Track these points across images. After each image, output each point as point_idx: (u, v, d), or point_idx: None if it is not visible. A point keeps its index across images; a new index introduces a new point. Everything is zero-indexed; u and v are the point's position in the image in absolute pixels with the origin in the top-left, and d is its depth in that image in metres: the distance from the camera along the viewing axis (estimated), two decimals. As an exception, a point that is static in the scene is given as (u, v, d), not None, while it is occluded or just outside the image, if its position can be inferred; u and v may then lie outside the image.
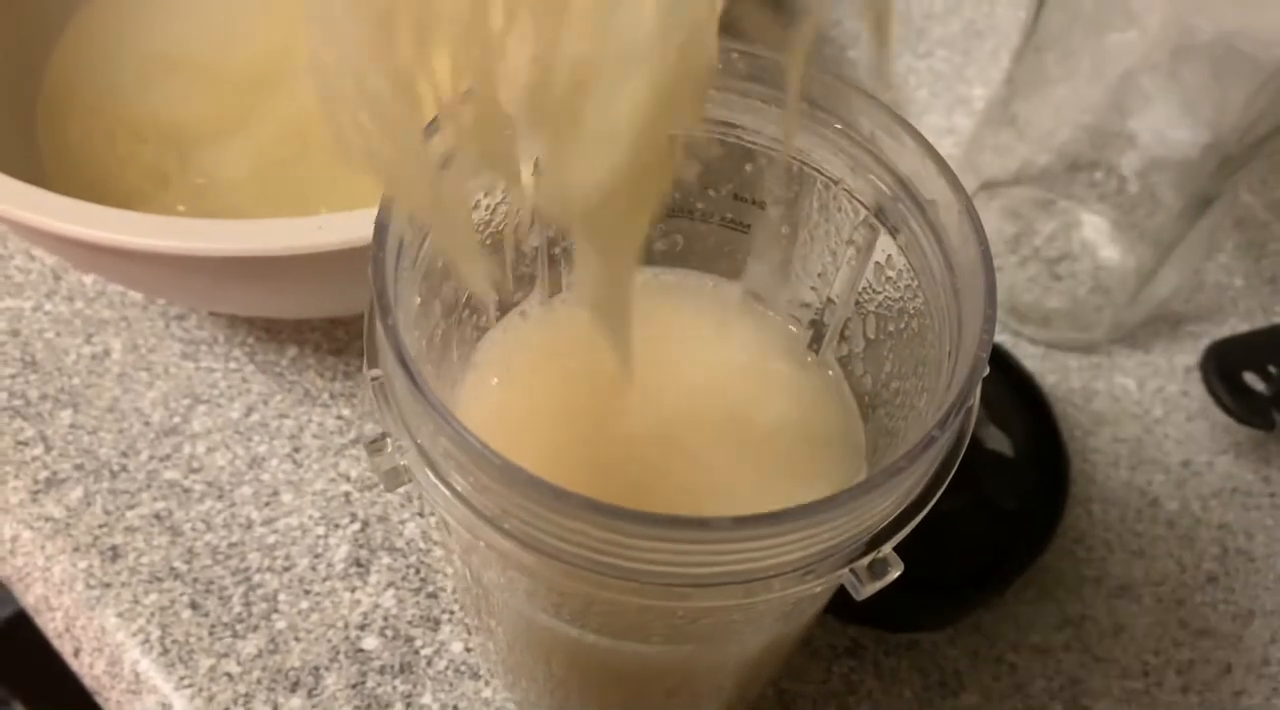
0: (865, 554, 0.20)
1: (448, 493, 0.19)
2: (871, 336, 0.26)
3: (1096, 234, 0.47)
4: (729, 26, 0.21)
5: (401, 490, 0.34)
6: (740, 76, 0.25)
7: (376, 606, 0.38)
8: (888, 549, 0.20)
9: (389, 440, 0.21)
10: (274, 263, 0.32)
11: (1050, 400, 0.44)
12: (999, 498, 0.41)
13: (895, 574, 0.20)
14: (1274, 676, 0.39)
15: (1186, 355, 0.46)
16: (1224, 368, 0.40)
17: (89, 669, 0.38)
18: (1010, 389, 0.43)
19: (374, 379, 0.21)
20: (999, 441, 0.42)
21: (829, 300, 0.27)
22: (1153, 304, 0.45)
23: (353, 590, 0.39)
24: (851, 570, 0.20)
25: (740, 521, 0.18)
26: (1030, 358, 0.46)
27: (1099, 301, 0.46)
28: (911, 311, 0.24)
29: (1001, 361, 0.44)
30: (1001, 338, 0.47)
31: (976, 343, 0.19)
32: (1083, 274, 0.47)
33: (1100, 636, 0.40)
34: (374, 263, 0.20)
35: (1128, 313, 0.45)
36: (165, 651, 0.37)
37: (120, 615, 0.38)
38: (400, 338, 0.19)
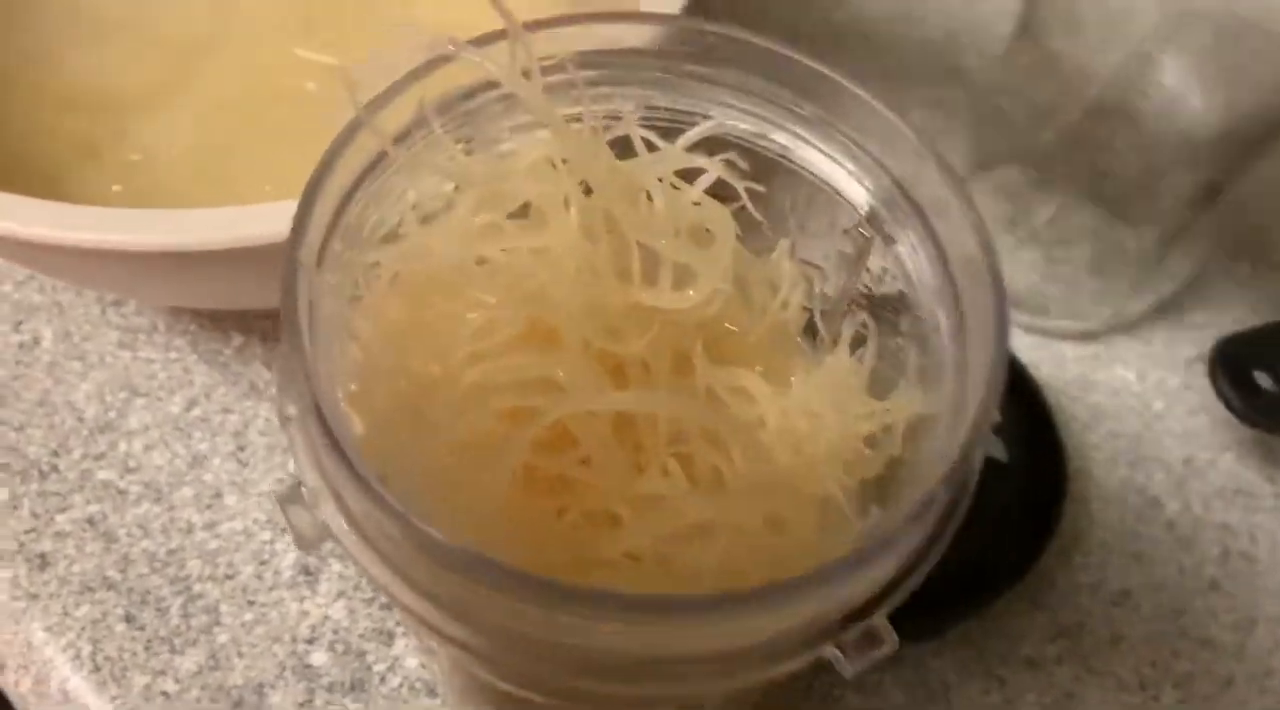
0: (851, 625, 0.17)
1: (378, 565, 0.17)
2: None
3: (1098, 217, 0.44)
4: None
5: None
6: (718, 62, 0.22)
7: (326, 618, 0.36)
8: (879, 619, 0.18)
9: (305, 491, 0.18)
10: (210, 257, 0.29)
11: (1046, 392, 0.41)
12: (990, 498, 0.38)
13: (888, 650, 0.18)
14: (1278, 690, 0.37)
15: (1189, 346, 0.44)
16: (1232, 366, 0.38)
17: (14, 686, 0.35)
18: (1004, 381, 0.40)
19: (287, 419, 0.18)
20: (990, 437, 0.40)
21: (820, 311, 0.24)
22: (1157, 294, 0.42)
23: (300, 600, 0.36)
24: (836, 645, 0.17)
25: (711, 601, 0.15)
26: (1025, 347, 0.43)
27: (1099, 289, 0.43)
28: (906, 331, 0.22)
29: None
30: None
31: (983, 396, 0.17)
32: (1082, 260, 0.44)
33: (1096, 647, 0.38)
34: (284, 286, 0.17)
35: (1130, 302, 0.42)
36: (97, 669, 0.34)
37: (48, 629, 0.35)
38: (318, 383, 0.16)
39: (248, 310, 0.41)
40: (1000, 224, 0.45)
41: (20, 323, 0.41)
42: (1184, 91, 0.39)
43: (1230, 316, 0.44)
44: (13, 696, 0.36)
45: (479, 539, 0.18)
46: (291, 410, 0.18)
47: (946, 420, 0.19)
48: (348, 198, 0.19)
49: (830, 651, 0.17)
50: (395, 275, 0.20)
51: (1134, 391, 0.43)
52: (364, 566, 0.18)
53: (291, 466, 0.38)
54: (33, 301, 0.41)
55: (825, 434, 0.21)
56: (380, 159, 0.20)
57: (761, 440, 0.21)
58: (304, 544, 0.18)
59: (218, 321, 0.41)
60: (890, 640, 0.18)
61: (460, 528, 0.18)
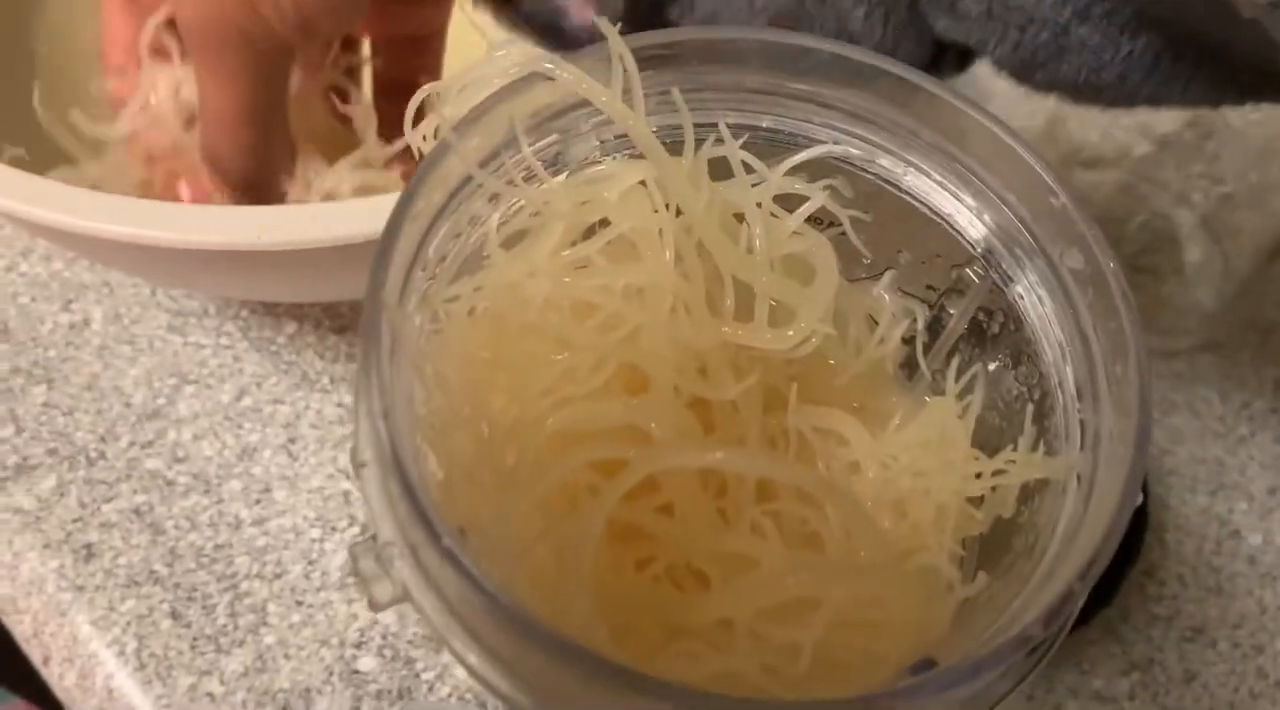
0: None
1: (467, 641, 0.15)
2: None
3: (1188, 230, 0.42)
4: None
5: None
6: (826, 82, 0.20)
7: (375, 622, 0.35)
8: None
9: (379, 546, 0.17)
10: (260, 255, 0.28)
11: (1124, 413, 0.40)
12: (1064, 523, 0.37)
13: (1006, 748, 0.16)
14: (1359, 738, 0.36)
15: (1276, 367, 0.42)
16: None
17: (59, 680, 0.35)
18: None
19: (361, 465, 0.17)
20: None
21: (924, 347, 0.23)
22: (1245, 313, 0.40)
23: (349, 603, 0.35)
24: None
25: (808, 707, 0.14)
26: (1104, 363, 0.41)
27: (1184, 304, 0.41)
28: (1022, 381, 0.20)
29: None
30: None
31: (1125, 480, 0.15)
32: (1168, 271, 0.42)
33: (1170, 684, 0.36)
34: (366, 328, 0.16)
35: (1216, 320, 0.40)
36: (142, 666, 0.34)
37: (94, 623, 0.34)
38: (397, 433, 0.15)
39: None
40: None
41: (70, 302, 0.40)
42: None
43: (1323, 338, 0.42)
44: (57, 690, 0.35)
45: (558, 601, 0.17)
46: (366, 457, 0.17)
47: (1072, 488, 0.18)
48: (431, 225, 0.18)
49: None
50: (474, 308, 0.19)
51: (1216, 414, 0.41)
52: (438, 630, 0.16)
53: (341, 461, 0.37)
54: (83, 280, 0.40)
55: (930, 494, 0.19)
56: (465, 183, 0.18)
57: (859, 500, 0.19)
58: (377, 607, 0.17)
59: (270, 308, 0.40)
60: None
61: (540, 588, 0.17)
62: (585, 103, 0.19)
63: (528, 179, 0.19)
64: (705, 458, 0.18)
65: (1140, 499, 0.16)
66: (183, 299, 0.40)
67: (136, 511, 0.36)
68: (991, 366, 0.21)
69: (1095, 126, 0.42)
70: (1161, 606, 0.37)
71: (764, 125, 0.21)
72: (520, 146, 0.19)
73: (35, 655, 0.35)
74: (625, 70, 0.18)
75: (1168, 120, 0.40)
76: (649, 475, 0.19)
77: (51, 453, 0.37)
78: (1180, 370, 0.42)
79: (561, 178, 0.20)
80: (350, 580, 0.35)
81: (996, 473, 0.19)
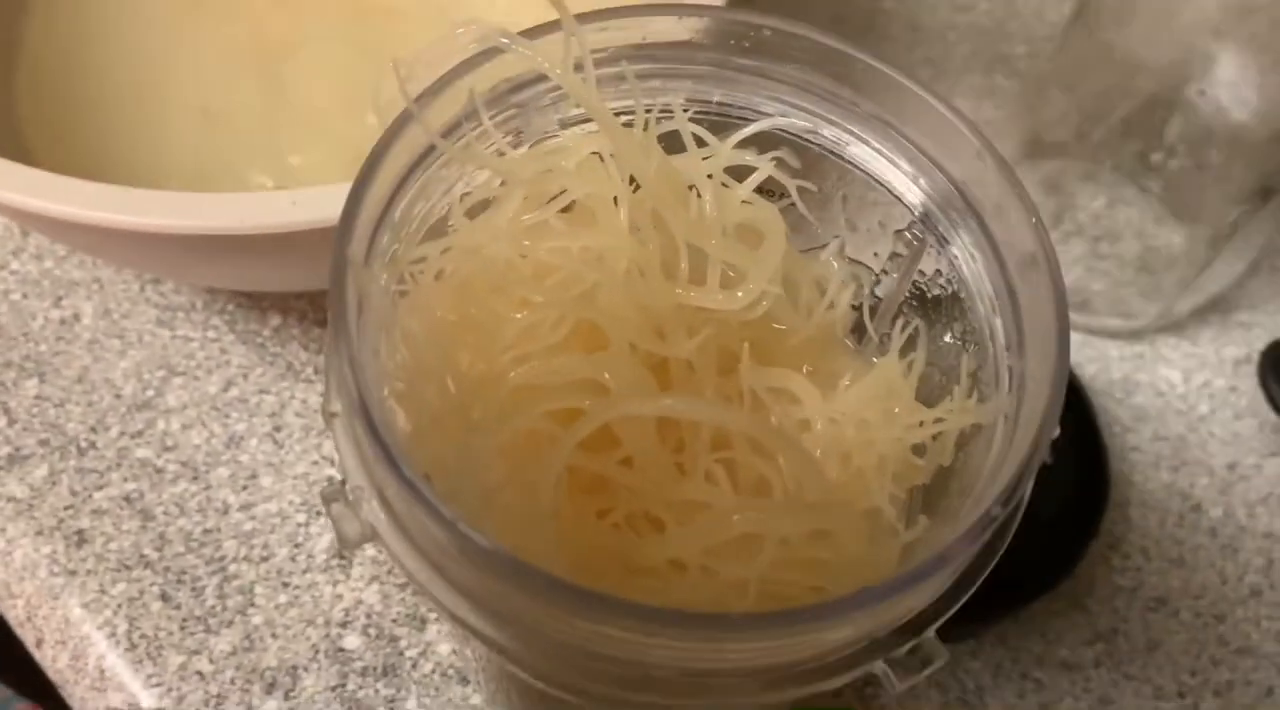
0: (901, 640, 0.17)
1: (420, 566, 0.17)
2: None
3: (1146, 213, 0.43)
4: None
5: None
6: (772, 57, 0.21)
7: (359, 602, 0.36)
8: (929, 634, 0.17)
9: (349, 489, 0.18)
10: (241, 240, 0.29)
11: (1089, 393, 0.41)
12: (1030, 500, 0.38)
13: (939, 664, 0.17)
14: (1318, 702, 0.37)
15: (1236, 347, 0.43)
16: (1284, 370, 0.37)
17: (51, 662, 0.36)
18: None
19: (332, 415, 0.18)
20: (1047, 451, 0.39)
21: (870, 312, 0.24)
22: (1206, 294, 0.41)
23: (334, 584, 0.36)
24: (886, 661, 0.17)
25: (762, 620, 0.15)
26: (1068, 345, 0.43)
27: (1145, 287, 0.42)
28: (959, 336, 0.21)
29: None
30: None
31: (1044, 409, 0.16)
32: (1129, 255, 0.43)
33: (1133, 653, 0.37)
34: (332, 283, 0.17)
35: (1177, 301, 0.41)
36: (133, 646, 0.35)
37: (85, 606, 0.35)
38: (364, 382, 0.16)
39: (287, 292, 0.41)
40: (1046, 217, 0.44)
41: (61, 298, 0.41)
42: (1239, 87, 0.38)
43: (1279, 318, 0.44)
44: (50, 672, 0.36)
45: (522, 542, 0.18)
46: (337, 407, 0.18)
47: (1000, 429, 0.19)
48: (396, 191, 0.19)
49: (880, 667, 0.17)
50: (441, 271, 0.20)
51: (1179, 393, 0.42)
52: (406, 567, 0.17)
53: (335, 463, 0.38)
54: (73, 277, 0.41)
55: (875, 444, 0.20)
56: (428, 152, 0.20)
57: (808, 449, 0.21)
58: (347, 544, 0.18)
59: (256, 301, 0.41)
60: (940, 655, 0.17)
61: (504, 530, 0.18)
62: (543, 78, 0.21)
63: (490, 151, 0.21)
64: (659, 404, 0.19)
65: (1057, 432, 0.17)
66: (171, 294, 0.41)
67: (127, 498, 0.37)
68: (933, 326, 0.22)
69: (1060, 122, 0.43)
70: (1125, 578, 0.38)
71: (714, 99, 0.22)
72: (481, 117, 0.20)
73: (29, 639, 0.36)
74: (578, 46, 0.20)
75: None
76: (609, 430, 0.20)
77: (43, 443, 0.38)
78: (1143, 352, 0.43)
79: (522, 150, 0.21)
80: (335, 562, 0.36)
81: (937, 421, 0.20)
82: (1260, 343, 0.42)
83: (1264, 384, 0.38)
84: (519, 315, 0.20)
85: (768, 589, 0.19)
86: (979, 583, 0.18)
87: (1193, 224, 0.41)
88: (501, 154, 0.21)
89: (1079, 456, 0.39)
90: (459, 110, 0.20)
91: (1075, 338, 0.43)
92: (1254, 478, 0.40)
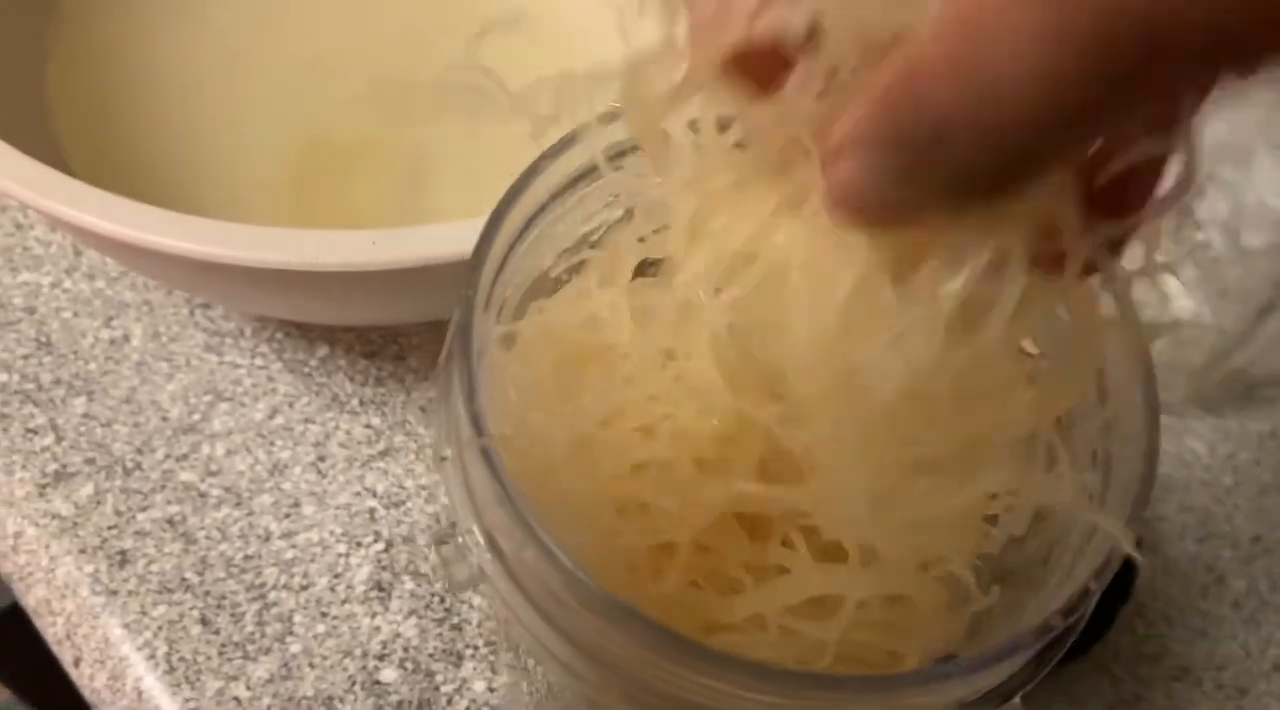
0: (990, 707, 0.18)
1: (535, 618, 0.17)
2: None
3: (1176, 287, 0.44)
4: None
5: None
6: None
7: (397, 635, 0.36)
8: (1015, 701, 0.18)
9: (460, 534, 0.18)
10: (320, 277, 0.29)
11: (1116, 461, 0.41)
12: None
13: (1024, 728, 0.18)
14: (1337, 779, 0.37)
15: (1261, 422, 0.44)
16: (1313, 448, 0.38)
17: (89, 681, 0.36)
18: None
19: (441, 459, 0.18)
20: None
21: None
22: (1235, 369, 0.42)
23: (373, 616, 0.36)
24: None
25: (868, 681, 0.15)
26: (1098, 413, 0.43)
27: (1174, 360, 0.43)
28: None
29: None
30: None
31: (1135, 494, 0.17)
32: (1160, 329, 0.44)
33: (1156, 721, 0.37)
34: (459, 329, 0.18)
35: (1206, 377, 0.42)
36: (171, 670, 0.35)
37: (126, 626, 0.35)
38: (486, 427, 0.17)
39: (337, 324, 0.41)
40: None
41: (111, 319, 0.41)
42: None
43: (1305, 395, 0.44)
44: (86, 691, 0.36)
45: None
46: (448, 451, 0.18)
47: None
48: (515, 242, 0.20)
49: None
50: (540, 328, 0.21)
51: (1204, 464, 0.43)
52: (513, 609, 0.18)
53: (376, 495, 0.39)
54: (124, 299, 0.42)
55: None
56: (541, 209, 0.20)
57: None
58: (456, 587, 0.18)
59: (304, 331, 0.41)
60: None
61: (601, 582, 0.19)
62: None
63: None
64: (789, 497, 0.20)
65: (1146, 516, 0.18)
66: (220, 319, 0.42)
67: (170, 521, 0.37)
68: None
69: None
70: (1149, 646, 0.39)
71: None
72: (603, 173, 0.20)
73: (67, 657, 0.36)
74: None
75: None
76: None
77: (89, 462, 0.38)
78: (1169, 423, 0.44)
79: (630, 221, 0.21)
80: (373, 594, 0.37)
81: (1011, 493, 0.21)
82: (1284, 419, 0.43)
83: (1292, 462, 0.38)
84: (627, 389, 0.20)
85: (843, 650, 0.19)
86: (1066, 649, 0.18)
87: (1224, 301, 0.42)
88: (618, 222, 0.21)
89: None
90: (579, 167, 0.20)
91: (1104, 406, 0.44)
92: (1278, 552, 0.41)
